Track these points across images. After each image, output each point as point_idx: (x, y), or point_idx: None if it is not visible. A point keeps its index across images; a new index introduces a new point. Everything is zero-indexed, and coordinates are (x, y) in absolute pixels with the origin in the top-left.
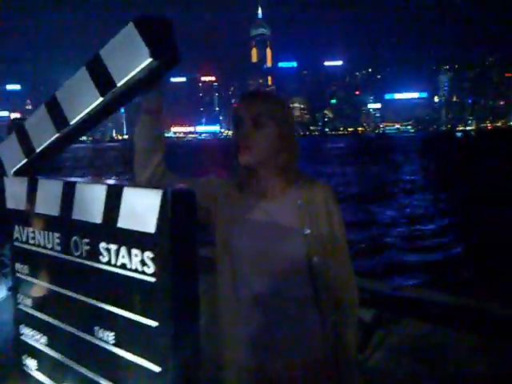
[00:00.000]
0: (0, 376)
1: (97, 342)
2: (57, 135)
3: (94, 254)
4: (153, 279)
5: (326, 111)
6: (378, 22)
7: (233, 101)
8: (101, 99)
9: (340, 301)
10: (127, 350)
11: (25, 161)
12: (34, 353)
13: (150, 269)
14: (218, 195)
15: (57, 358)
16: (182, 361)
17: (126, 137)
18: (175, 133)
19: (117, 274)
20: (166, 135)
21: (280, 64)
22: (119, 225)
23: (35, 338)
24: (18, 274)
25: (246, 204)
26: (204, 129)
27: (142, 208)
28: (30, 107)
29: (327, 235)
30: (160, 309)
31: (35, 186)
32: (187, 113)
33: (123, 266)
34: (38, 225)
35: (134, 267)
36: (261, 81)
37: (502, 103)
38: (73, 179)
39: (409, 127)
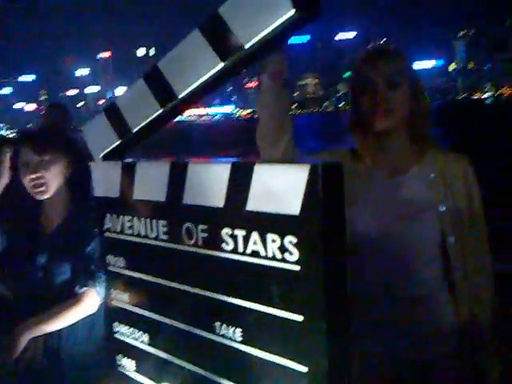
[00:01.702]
0: (95, 377)
1: (219, 339)
2: (160, 111)
3: (214, 242)
4: (297, 267)
5: (339, 86)
6: None
7: (244, 80)
8: (221, 65)
9: (475, 283)
10: (262, 349)
11: (117, 143)
12: (131, 352)
13: (294, 256)
14: None
15: (163, 358)
16: (333, 359)
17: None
18: (189, 115)
19: (245, 262)
20: (179, 119)
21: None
22: (249, 208)
23: (133, 337)
24: (111, 268)
25: (370, 179)
26: (217, 110)
27: (280, 187)
28: (44, 97)
29: (465, 212)
30: (306, 301)
31: (132, 170)
32: None
33: (255, 254)
34: (137, 212)
35: (270, 255)
36: None
37: None
38: (182, 160)
39: None
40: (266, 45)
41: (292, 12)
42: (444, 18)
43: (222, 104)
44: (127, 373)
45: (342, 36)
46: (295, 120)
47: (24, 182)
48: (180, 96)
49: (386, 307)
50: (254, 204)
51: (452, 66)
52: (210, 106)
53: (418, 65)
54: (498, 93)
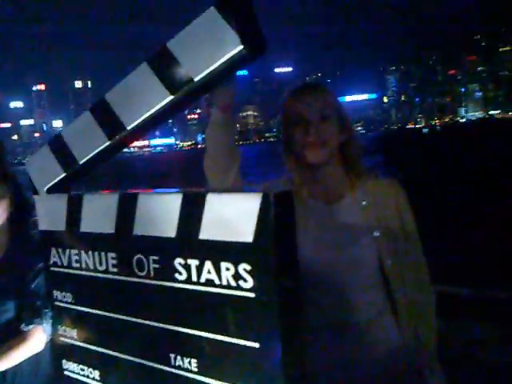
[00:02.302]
0: None
1: (174, 371)
2: (108, 143)
3: (167, 273)
4: (251, 294)
5: (279, 117)
6: (324, 27)
7: (186, 112)
8: (170, 97)
9: (417, 303)
10: (218, 378)
11: (62, 176)
12: None
13: (248, 283)
14: None
15: None
16: None
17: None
18: (131, 147)
19: (200, 292)
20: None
21: None
22: (202, 237)
23: (84, 374)
24: (58, 303)
25: (306, 207)
26: (159, 142)
27: (232, 216)
28: None
29: (399, 236)
30: (262, 327)
31: (79, 203)
32: None
33: (209, 283)
34: (84, 246)
35: (224, 283)
36: None
37: (448, 100)
38: (132, 191)
39: (359, 128)
40: (216, 78)
41: (240, 47)
42: (375, 53)
43: (162, 136)
44: None
45: (280, 69)
46: None
47: None
48: (128, 128)
49: (330, 334)
50: (206, 233)
51: (386, 99)
52: (150, 138)
53: (354, 98)
54: (433, 123)
